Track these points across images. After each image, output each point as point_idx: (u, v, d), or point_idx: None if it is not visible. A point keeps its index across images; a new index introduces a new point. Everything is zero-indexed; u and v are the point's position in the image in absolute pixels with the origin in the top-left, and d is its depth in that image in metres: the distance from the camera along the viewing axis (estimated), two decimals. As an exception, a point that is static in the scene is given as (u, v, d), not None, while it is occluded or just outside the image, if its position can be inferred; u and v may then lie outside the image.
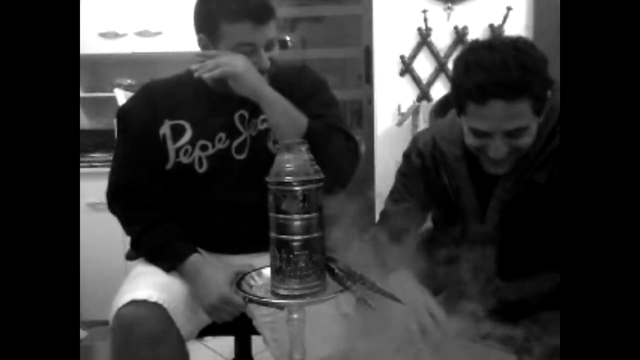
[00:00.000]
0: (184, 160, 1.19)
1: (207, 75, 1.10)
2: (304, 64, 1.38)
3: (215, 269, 1.14)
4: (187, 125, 1.20)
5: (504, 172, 1.06)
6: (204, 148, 1.19)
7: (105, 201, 1.26)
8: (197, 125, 1.19)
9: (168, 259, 1.19)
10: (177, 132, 1.19)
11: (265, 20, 1.11)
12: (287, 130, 1.10)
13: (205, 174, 1.19)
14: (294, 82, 1.24)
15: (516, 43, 0.97)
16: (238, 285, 0.88)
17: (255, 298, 0.84)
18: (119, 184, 1.24)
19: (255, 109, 1.18)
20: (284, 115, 1.11)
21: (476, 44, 1.00)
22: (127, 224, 1.25)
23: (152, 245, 1.21)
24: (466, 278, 1.11)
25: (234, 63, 1.08)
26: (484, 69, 0.94)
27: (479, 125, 0.99)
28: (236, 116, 1.20)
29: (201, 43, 1.17)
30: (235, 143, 1.20)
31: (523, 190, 1.07)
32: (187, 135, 1.19)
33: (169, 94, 1.23)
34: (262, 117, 1.19)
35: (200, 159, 1.19)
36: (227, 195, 1.19)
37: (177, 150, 1.19)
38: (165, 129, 1.19)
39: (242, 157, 1.20)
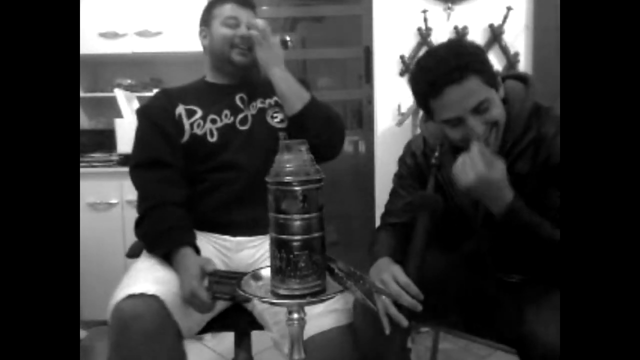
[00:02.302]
0: (198, 132, 1.37)
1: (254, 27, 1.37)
2: None
3: (192, 263, 1.17)
4: (198, 109, 1.40)
5: (497, 146, 1.11)
6: (213, 121, 1.39)
7: (129, 173, 1.37)
8: (206, 108, 1.41)
9: (162, 246, 1.23)
10: (190, 112, 1.40)
11: (244, 5, 1.43)
12: (292, 100, 1.37)
13: (216, 142, 1.37)
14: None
15: (447, 43, 1.15)
16: (238, 285, 0.88)
17: (255, 298, 0.84)
18: (143, 157, 1.36)
19: (251, 93, 1.45)
20: (289, 88, 1.37)
21: (418, 58, 1.14)
22: (143, 199, 1.31)
23: (151, 228, 1.27)
24: (462, 268, 1.13)
25: (272, 39, 1.37)
26: (428, 70, 1.08)
27: (447, 114, 1.08)
28: (237, 98, 1.44)
29: (202, 34, 1.48)
30: (238, 118, 1.41)
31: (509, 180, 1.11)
32: (199, 114, 1.40)
33: (181, 90, 1.47)
34: (260, 99, 1.45)
35: (211, 131, 1.38)
36: (235, 159, 1.35)
37: (192, 125, 1.38)
38: (180, 110, 1.40)
39: (245, 128, 1.40)
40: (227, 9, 1.42)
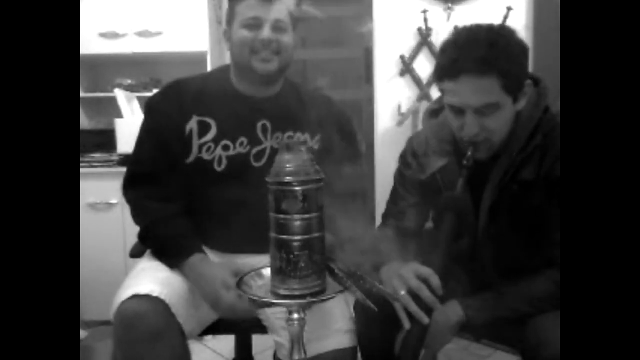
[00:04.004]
0: (205, 156, 1.23)
1: None
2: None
3: (216, 267, 1.14)
4: (213, 123, 1.23)
5: (480, 156, 1.10)
6: (225, 148, 1.24)
7: (121, 188, 1.28)
8: (222, 125, 1.24)
9: (171, 255, 1.19)
10: (203, 128, 1.23)
11: None
12: None
13: (223, 173, 1.23)
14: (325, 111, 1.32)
15: (493, 27, 1.04)
16: (238, 285, 0.88)
17: (256, 298, 0.84)
18: (138, 172, 1.26)
19: (278, 122, 1.26)
20: None
21: (459, 28, 1.07)
22: (138, 214, 1.25)
23: (158, 239, 1.22)
24: (461, 273, 1.13)
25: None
26: (457, 47, 1.02)
27: (453, 100, 1.06)
28: (258, 125, 1.26)
29: (226, 35, 1.28)
30: (255, 150, 1.25)
31: (512, 187, 1.10)
32: (212, 133, 1.23)
33: (197, 90, 1.26)
34: (289, 133, 1.26)
35: (220, 158, 1.23)
36: (241, 196, 1.21)
37: (200, 146, 1.23)
38: (192, 124, 1.22)
39: (259, 164, 1.25)
40: (248, 6, 1.20)
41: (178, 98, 1.25)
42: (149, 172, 1.24)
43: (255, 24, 1.19)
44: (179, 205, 1.24)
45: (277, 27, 1.20)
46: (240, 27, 1.20)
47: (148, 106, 1.29)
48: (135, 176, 1.27)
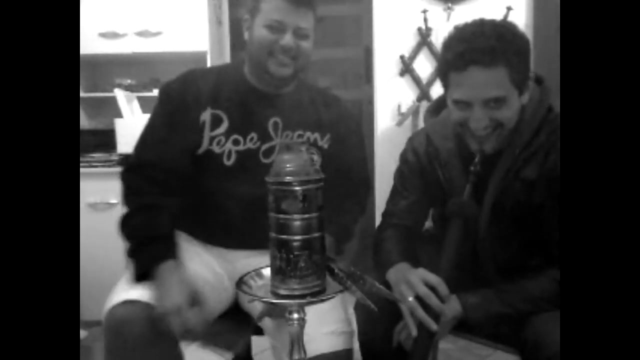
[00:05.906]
0: (216, 149, 1.22)
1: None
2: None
3: (184, 279, 1.06)
4: (225, 117, 1.22)
5: (488, 150, 1.08)
6: (236, 142, 1.22)
7: (120, 173, 1.22)
8: (234, 120, 1.23)
9: (148, 256, 1.10)
10: (216, 121, 1.22)
11: (297, 4, 1.16)
12: None
13: (232, 167, 1.22)
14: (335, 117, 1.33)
15: (497, 20, 1.05)
16: (238, 285, 0.88)
17: (256, 298, 0.84)
18: (144, 157, 1.20)
19: (289, 120, 1.25)
20: None
21: (461, 23, 1.06)
22: (128, 194, 1.18)
23: (140, 231, 1.13)
24: (461, 273, 1.13)
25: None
26: (463, 40, 1.01)
27: (460, 94, 1.03)
28: (270, 122, 1.24)
29: (245, 24, 1.24)
30: (265, 147, 1.24)
31: (514, 186, 1.10)
32: (224, 126, 1.22)
33: (213, 83, 1.25)
34: (299, 131, 1.26)
35: (230, 152, 1.22)
36: (247, 192, 1.20)
37: (212, 139, 1.21)
38: (206, 116, 1.21)
39: (268, 161, 1.23)
40: (274, 8, 1.17)
41: (195, 87, 1.23)
42: (155, 158, 1.18)
43: (278, 27, 1.17)
44: (178, 199, 1.17)
45: (299, 33, 1.19)
46: (262, 27, 1.18)
47: (165, 92, 1.26)
48: (140, 160, 1.20)
